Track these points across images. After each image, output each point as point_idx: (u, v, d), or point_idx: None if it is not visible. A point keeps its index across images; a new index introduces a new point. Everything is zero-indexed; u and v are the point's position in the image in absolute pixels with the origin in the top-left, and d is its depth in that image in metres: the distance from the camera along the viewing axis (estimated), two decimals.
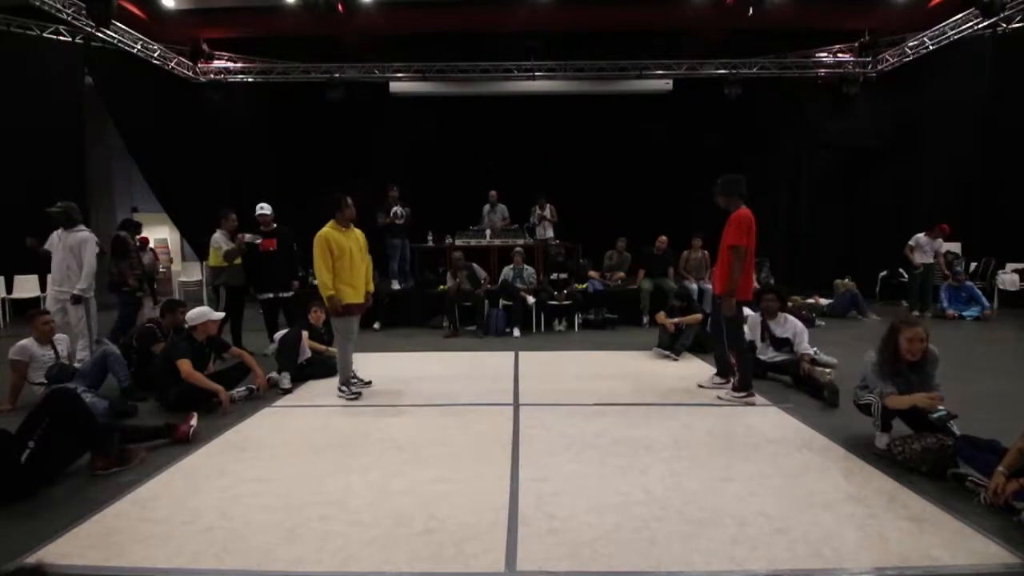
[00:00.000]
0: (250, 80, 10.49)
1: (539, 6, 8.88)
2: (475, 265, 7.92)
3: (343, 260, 4.21)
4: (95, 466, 2.85)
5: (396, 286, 8.36)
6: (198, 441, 3.43)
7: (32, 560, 1.94)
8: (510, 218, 9.44)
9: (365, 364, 5.55)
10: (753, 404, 4.08)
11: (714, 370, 4.66)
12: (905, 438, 2.97)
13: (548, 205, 9.05)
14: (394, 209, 8.19)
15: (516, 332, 7.21)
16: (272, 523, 2.43)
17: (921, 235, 8.33)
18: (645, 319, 7.65)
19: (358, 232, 4.47)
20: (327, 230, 4.23)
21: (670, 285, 7.56)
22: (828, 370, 4.59)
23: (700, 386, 4.53)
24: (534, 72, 10.31)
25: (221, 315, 4.64)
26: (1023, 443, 2.48)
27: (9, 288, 8.27)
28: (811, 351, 4.63)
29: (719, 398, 4.19)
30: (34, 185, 8.37)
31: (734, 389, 4.20)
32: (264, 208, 6.03)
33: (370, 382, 4.64)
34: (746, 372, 4.19)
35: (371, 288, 4.58)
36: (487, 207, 9.40)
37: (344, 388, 4.34)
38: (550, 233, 9.09)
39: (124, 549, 2.23)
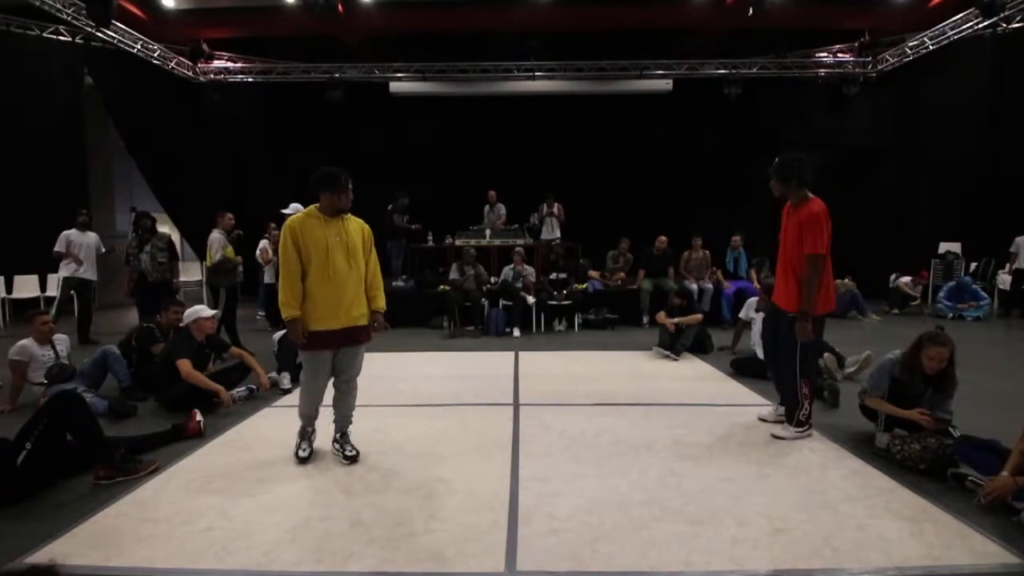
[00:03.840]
0: (250, 80, 10.49)
1: (539, 6, 8.88)
2: (481, 267, 7.99)
3: (316, 265, 2.91)
4: (97, 475, 2.82)
5: (400, 283, 8.58)
6: (198, 441, 3.43)
7: (44, 560, 1.94)
8: (508, 218, 9.49)
9: (366, 364, 5.55)
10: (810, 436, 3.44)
11: (759, 399, 4.14)
12: (904, 438, 2.97)
13: (556, 203, 9.10)
14: (406, 216, 8.69)
15: (516, 332, 7.21)
16: (272, 523, 2.43)
17: None
18: (645, 319, 7.66)
19: (355, 223, 3.11)
20: (296, 218, 2.96)
21: (670, 285, 7.55)
22: (825, 376, 4.59)
23: (761, 419, 3.74)
24: (534, 72, 10.31)
25: (211, 312, 4.61)
26: None
27: (9, 288, 8.27)
28: None
29: (774, 436, 3.42)
30: (34, 185, 8.39)
31: (796, 424, 3.41)
32: (296, 207, 5.76)
33: (355, 456, 3.11)
34: (813, 403, 3.47)
35: (380, 305, 3.20)
36: (487, 207, 9.47)
37: (297, 438, 3.15)
38: (557, 232, 9.15)
39: (124, 549, 2.23)
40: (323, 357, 3.02)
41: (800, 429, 3.40)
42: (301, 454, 3.10)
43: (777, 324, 3.48)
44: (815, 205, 3.25)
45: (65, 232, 6.71)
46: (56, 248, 6.64)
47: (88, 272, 6.80)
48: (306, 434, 3.17)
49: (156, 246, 6.19)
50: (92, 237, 6.88)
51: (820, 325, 3.39)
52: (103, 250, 6.98)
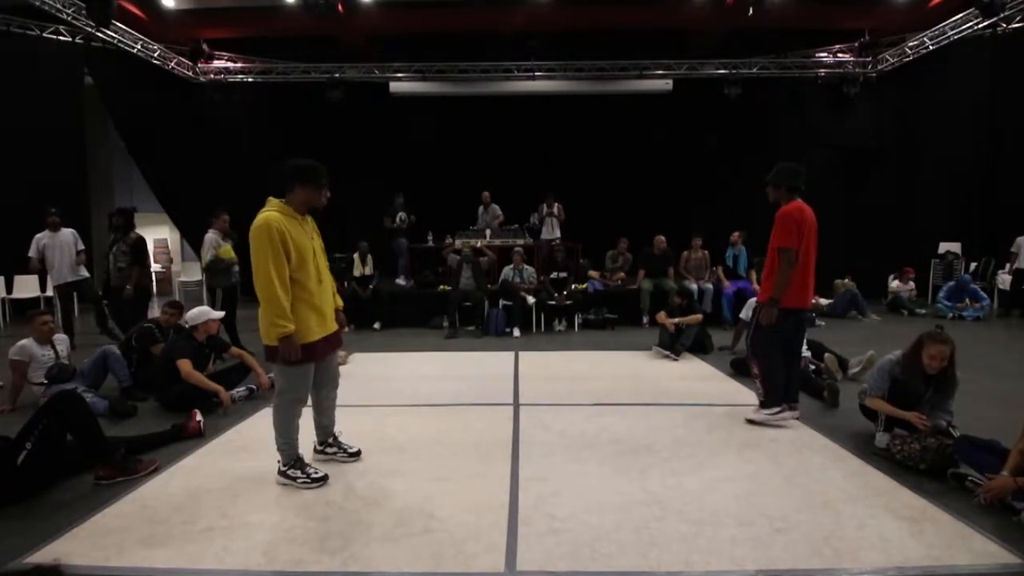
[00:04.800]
0: (250, 80, 10.49)
1: (539, 6, 8.88)
2: (482, 259, 8.04)
3: (306, 268, 2.68)
4: (98, 475, 2.83)
5: (402, 282, 8.74)
6: (198, 441, 3.43)
7: (48, 560, 1.94)
8: (507, 218, 9.51)
9: (366, 364, 5.58)
10: (790, 419, 3.59)
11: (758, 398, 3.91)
12: (904, 438, 2.97)
13: (556, 203, 9.12)
14: (399, 215, 8.83)
15: (516, 332, 7.21)
16: (272, 523, 2.43)
17: None
18: (645, 319, 7.65)
19: (311, 220, 2.87)
20: (274, 215, 2.63)
21: (670, 285, 7.55)
22: (826, 376, 4.59)
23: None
24: (534, 72, 10.31)
25: (221, 314, 4.65)
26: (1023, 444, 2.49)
27: (9, 288, 8.27)
28: (806, 354, 4.60)
29: (748, 420, 3.66)
30: (34, 185, 8.38)
31: (763, 406, 3.66)
32: None
33: (358, 452, 3.13)
34: (771, 385, 3.63)
35: (339, 303, 3.03)
36: (481, 208, 9.50)
37: (292, 470, 2.79)
38: (557, 232, 9.16)
39: (124, 549, 2.24)
40: (310, 371, 2.79)
41: (770, 412, 3.60)
42: (315, 475, 2.79)
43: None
44: (790, 206, 3.54)
45: (37, 236, 6.37)
46: (29, 253, 6.36)
47: (73, 273, 6.48)
48: (300, 461, 2.82)
49: (120, 249, 5.69)
50: (66, 236, 6.45)
51: (787, 319, 3.58)
52: (81, 247, 6.58)
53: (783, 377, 3.65)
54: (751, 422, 3.63)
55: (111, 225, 5.99)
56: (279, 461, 2.84)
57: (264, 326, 2.62)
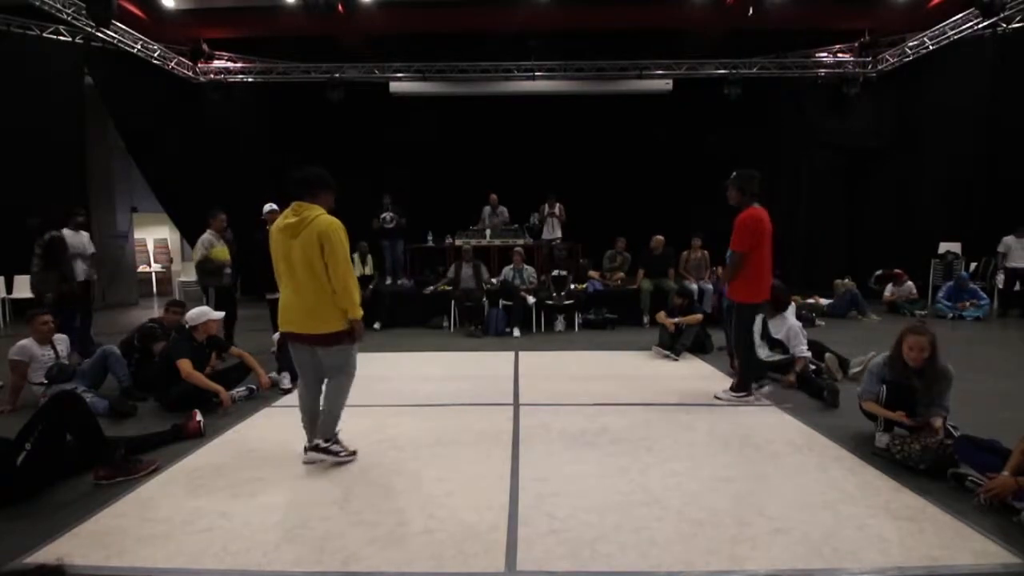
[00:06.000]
0: (250, 80, 10.51)
1: (539, 6, 8.89)
2: (482, 264, 8.04)
3: None
4: (97, 475, 2.82)
5: (387, 282, 8.83)
6: (198, 441, 3.43)
7: (51, 559, 1.94)
8: (510, 219, 9.52)
9: (366, 364, 5.55)
10: (750, 404, 4.07)
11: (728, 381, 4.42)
12: (904, 438, 2.97)
13: (557, 203, 9.13)
14: (383, 215, 8.91)
15: (516, 332, 7.21)
16: (272, 523, 2.43)
17: None
18: (645, 319, 7.66)
19: None
20: (336, 220, 2.95)
21: (670, 285, 7.56)
22: (826, 376, 4.59)
23: (717, 397, 4.22)
24: (534, 72, 10.32)
25: (221, 314, 4.64)
26: None
27: (9, 288, 8.27)
28: (807, 354, 4.61)
29: (716, 397, 4.20)
30: (34, 185, 8.38)
31: (732, 388, 4.21)
32: (273, 207, 5.95)
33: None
34: (745, 374, 4.17)
35: None
36: (487, 209, 9.49)
37: (335, 445, 3.07)
38: (558, 232, 9.18)
39: (124, 549, 2.23)
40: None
41: (737, 394, 4.13)
42: (349, 449, 3.07)
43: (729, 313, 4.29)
44: (747, 212, 3.91)
45: (64, 231, 6.31)
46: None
47: (85, 275, 6.36)
48: (336, 436, 3.10)
49: (35, 252, 5.17)
50: (84, 237, 6.47)
51: (750, 313, 4.00)
52: (92, 249, 6.56)
53: (756, 366, 4.26)
54: (718, 398, 4.18)
55: (29, 227, 5.61)
56: (320, 438, 3.00)
57: (333, 313, 2.88)
